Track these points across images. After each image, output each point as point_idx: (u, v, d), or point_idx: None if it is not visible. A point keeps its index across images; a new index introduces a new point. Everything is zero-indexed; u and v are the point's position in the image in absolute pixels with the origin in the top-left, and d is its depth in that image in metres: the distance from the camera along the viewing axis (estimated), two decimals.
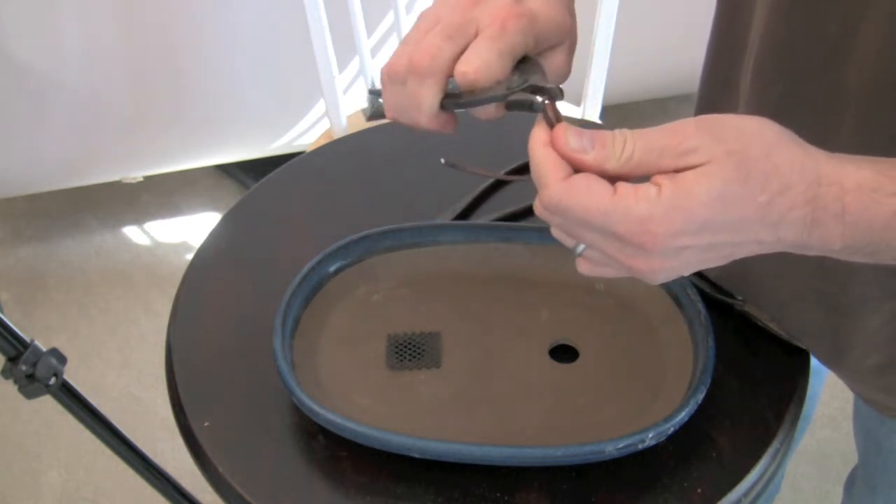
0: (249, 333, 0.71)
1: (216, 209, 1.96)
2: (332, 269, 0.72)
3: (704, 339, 0.64)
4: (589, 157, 0.44)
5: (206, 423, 0.65)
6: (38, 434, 1.55)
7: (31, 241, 1.90)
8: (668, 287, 0.70)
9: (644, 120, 2.05)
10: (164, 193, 1.99)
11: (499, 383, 0.67)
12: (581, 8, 1.26)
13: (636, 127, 0.45)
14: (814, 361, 0.70)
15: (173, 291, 0.76)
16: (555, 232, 0.48)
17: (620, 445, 0.58)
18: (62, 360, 0.87)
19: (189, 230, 1.92)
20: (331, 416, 0.59)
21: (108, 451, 0.97)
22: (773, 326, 0.70)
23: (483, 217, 0.81)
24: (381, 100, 0.56)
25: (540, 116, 0.47)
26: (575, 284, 0.73)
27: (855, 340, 0.65)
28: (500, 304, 0.72)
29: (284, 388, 0.62)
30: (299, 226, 0.82)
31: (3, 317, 0.82)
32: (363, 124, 1.08)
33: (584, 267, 0.49)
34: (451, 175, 0.86)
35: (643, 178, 0.44)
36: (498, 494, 0.60)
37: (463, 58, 0.48)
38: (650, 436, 0.58)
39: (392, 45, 1.57)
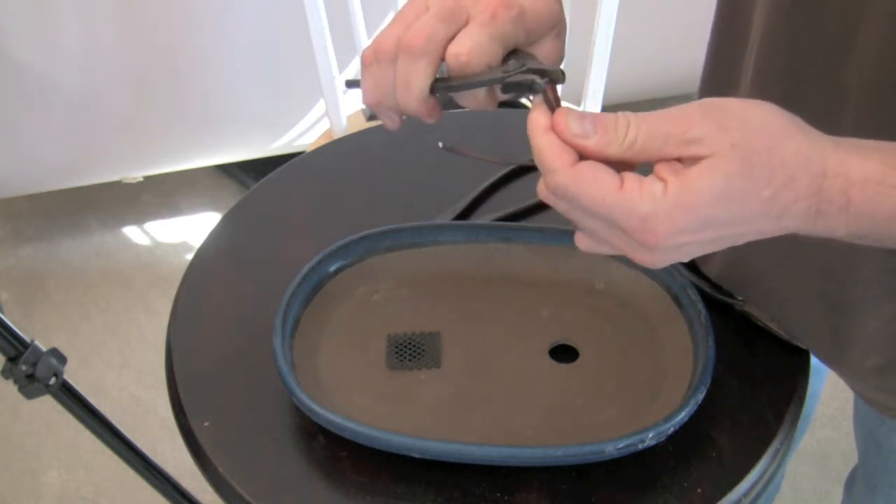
0: (249, 333, 0.71)
1: (216, 209, 1.96)
2: (332, 269, 0.72)
3: (704, 339, 0.64)
4: (591, 142, 0.44)
5: (206, 423, 0.65)
6: (38, 434, 1.55)
7: (31, 241, 1.90)
8: (668, 287, 0.70)
9: None
10: (164, 193, 1.99)
11: (499, 383, 0.67)
12: (581, 8, 1.26)
13: None
14: (814, 361, 0.70)
15: (173, 291, 0.76)
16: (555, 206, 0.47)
17: (620, 445, 0.58)
18: (62, 360, 0.87)
19: (189, 230, 1.92)
20: (331, 416, 0.59)
21: (108, 451, 0.97)
22: (773, 326, 0.70)
23: (483, 217, 0.81)
24: (353, 88, 0.54)
25: (538, 100, 0.46)
26: (575, 284, 0.73)
27: (855, 340, 0.65)
28: (500, 304, 0.72)
29: (284, 388, 0.62)
30: (299, 226, 0.82)
31: (3, 317, 0.82)
32: (363, 124, 1.08)
33: (582, 242, 0.48)
34: (451, 175, 0.87)
35: (647, 163, 0.44)
36: (498, 494, 0.60)
37: (455, 40, 0.48)
38: (650, 436, 0.58)
39: None
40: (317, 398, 0.61)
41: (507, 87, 0.48)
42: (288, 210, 0.84)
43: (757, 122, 0.43)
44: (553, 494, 0.60)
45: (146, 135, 1.68)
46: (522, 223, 0.79)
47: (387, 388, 0.66)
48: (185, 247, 1.89)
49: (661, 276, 0.70)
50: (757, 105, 0.44)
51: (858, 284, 0.61)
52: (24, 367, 0.83)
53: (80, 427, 0.93)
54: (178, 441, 0.66)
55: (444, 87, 0.49)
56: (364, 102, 0.52)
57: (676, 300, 0.69)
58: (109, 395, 1.60)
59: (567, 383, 0.67)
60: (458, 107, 0.54)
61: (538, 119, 0.45)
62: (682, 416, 0.59)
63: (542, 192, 0.46)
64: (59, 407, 0.90)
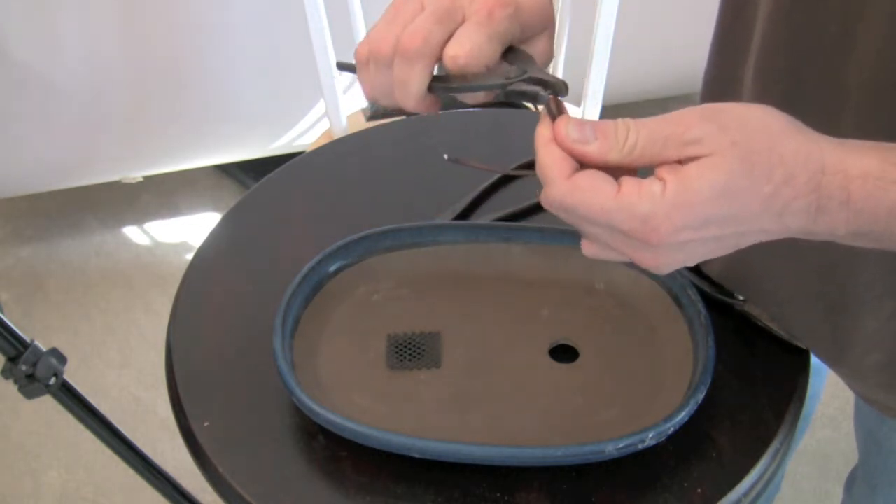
0: (249, 333, 0.71)
1: (216, 209, 1.96)
2: (332, 269, 0.72)
3: (704, 339, 0.64)
4: (591, 148, 0.44)
5: (206, 423, 0.65)
6: (38, 434, 1.55)
7: (31, 241, 1.90)
8: (668, 287, 0.70)
9: None
10: (164, 193, 1.99)
11: (499, 383, 0.67)
12: (581, 8, 1.27)
13: None
14: (814, 361, 0.70)
15: (173, 291, 0.76)
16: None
17: (620, 445, 0.58)
18: (62, 360, 0.87)
19: (189, 230, 1.92)
20: (331, 416, 0.59)
21: (108, 451, 0.97)
22: (773, 326, 0.70)
23: (483, 217, 0.81)
24: (345, 71, 0.54)
25: (544, 112, 0.47)
26: (575, 284, 0.73)
27: (855, 338, 0.65)
28: (500, 304, 0.72)
29: (284, 388, 0.62)
30: (299, 226, 0.82)
31: (3, 317, 0.82)
32: (363, 124, 1.08)
33: (589, 249, 0.48)
34: (452, 175, 0.87)
35: (648, 167, 0.44)
36: (498, 494, 0.60)
37: (452, 41, 0.48)
38: (650, 436, 0.58)
39: None
40: (317, 398, 0.61)
41: (509, 95, 0.49)
42: (288, 210, 0.84)
43: (756, 122, 0.44)
44: (553, 494, 0.60)
45: (146, 135, 1.68)
46: (522, 223, 0.79)
47: (387, 388, 0.66)
48: (185, 247, 1.89)
49: (661, 276, 0.70)
50: (756, 107, 0.45)
51: (859, 284, 0.61)
52: (24, 367, 0.83)
53: (80, 427, 0.93)
54: (178, 441, 0.66)
55: (442, 87, 0.49)
56: (367, 97, 0.52)
57: (676, 300, 0.69)
58: (109, 395, 1.60)
59: (567, 383, 0.67)
60: (458, 106, 0.54)
61: (542, 131, 0.46)
62: (682, 416, 0.59)
63: (544, 203, 0.46)
64: (59, 407, 0.90)
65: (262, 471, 0.62)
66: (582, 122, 0.45)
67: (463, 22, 0.48)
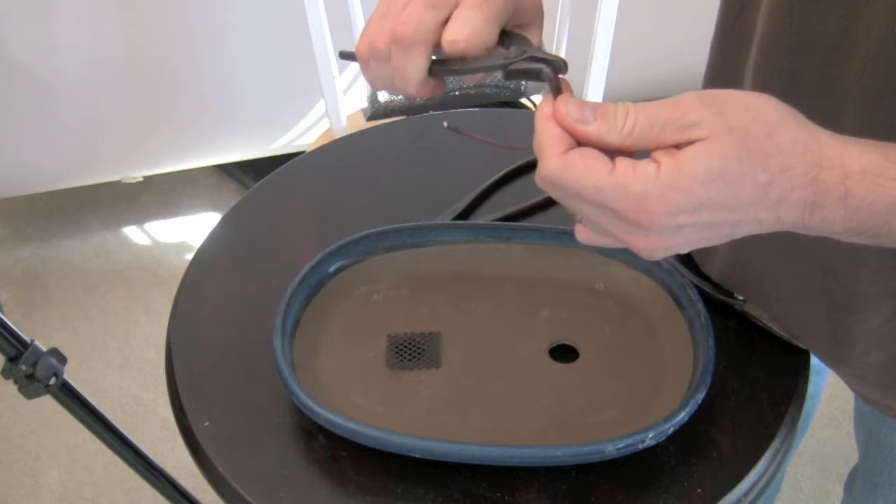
0: (249, 333, 0.71)
1: (216, 209, 1.96)
2: (332, 269, 0.72)
3: (704, 339, 0.64)
4: (590, 129, 0.44)
5: (206, 423, 0.65)
6: (38, 434, 1.55)
7: (31, 241, 1.90)
8: (668, 287, 0.70)
9: None
10: (164, 193, 1.99)
11: (499, 383, 0.67)
12: (581, 8, 1.27)
13: None
14: (815, 361, 0.70)
15: (173, 291, 0.76)
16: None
17: (620, 445, 0.58)
18: (62, 360, 0.87)
19: (189, 230, 1.92)
20: (331, 416, 0.59)
21: (108, 451, 0.97)
22: (773, 326, 0.70)
23: (483, 217, 0.81)
24: (347, 60, 0.54)
25: (546, 90, 0.46)
26: (575, 284, 0.73)
27: (856, 338, 0.65)
28: (500, 304, 0.72)
29: (284, 388, 0.62)
30: (299, 226, 0.82)
31: (3, 317, 0.82)
32: (363, 124, 1.08)
33: (582, 234, 0.48)
34: (451, 175, 0.87)
35: (646, 151, 0.44)
36: (498, 494, 0.60)
37: (450, 26, 0.48)
38: (650, 436, 0.58)
39: None
40: (317, 398, 0.61)
41: (510, 74, 0.48)
42: (288, 210, 0.84)
43: (755, 109, 0.43)
44: (553, 494, 0.60)
45: (146, 135, 1.68)
46: (522, 223, 0.79)
47: (387, 387, 0.66)
48: (185, 247, 1.89)
49: (662, 276, 0.70)
50: (756, 95, 0.44)
51: (860, 283, 0.61)
52: (24, 367, 0.83)
53: (80, 427, 0.93)
54: (178, 441, 0.66)
55: (443, 70, 0.49)
56: (374, 89, 0.53)
57: (676, 300, 0.69)
58: (109, 395, 1.60)
59: (567, 383, 0.67)
60: (458, 106, 0.55)
61: (543, 108, 0.45)
62: (682, 416, 0.59)
63: (537, 180, 0.46)
64: (59, 407, 0.90)
65: (262, 471, 0.62)
66: (582, 103, 0.44)
67: (456, 6, 0.48)
